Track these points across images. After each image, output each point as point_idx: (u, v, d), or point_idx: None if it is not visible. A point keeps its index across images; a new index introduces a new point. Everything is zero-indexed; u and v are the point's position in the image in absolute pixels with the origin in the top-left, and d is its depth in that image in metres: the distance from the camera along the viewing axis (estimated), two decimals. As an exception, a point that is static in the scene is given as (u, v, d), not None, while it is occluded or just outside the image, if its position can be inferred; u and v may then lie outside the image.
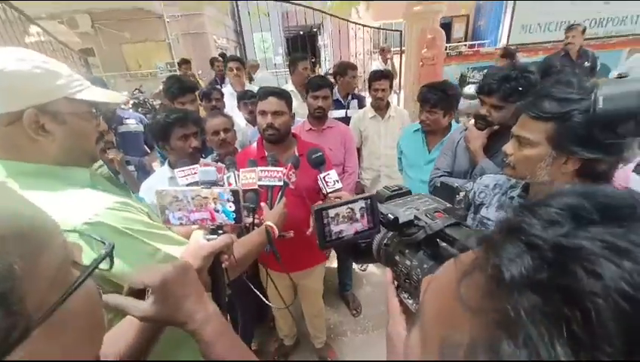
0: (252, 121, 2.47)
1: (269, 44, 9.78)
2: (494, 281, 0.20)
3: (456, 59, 5.15)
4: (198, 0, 8.01)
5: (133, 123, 2.45)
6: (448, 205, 0.57)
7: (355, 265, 2.69)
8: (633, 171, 1.12)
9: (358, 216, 0.54)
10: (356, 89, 3.26)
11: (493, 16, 8.67)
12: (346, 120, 2.53)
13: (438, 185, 1.46)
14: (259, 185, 1.11)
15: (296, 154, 1.48)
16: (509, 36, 6.09)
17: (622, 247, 0.18)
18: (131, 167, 2.02)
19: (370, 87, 2.39)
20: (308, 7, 4.72)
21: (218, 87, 3.34)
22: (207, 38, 9.10)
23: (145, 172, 2.18)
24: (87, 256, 0.40)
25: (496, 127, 1.34)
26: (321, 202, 0.86)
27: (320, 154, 1.20)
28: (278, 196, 1.12)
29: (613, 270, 0.17)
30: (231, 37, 11.20)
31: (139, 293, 0.52)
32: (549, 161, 0.81)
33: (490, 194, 1.06)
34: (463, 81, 4.70)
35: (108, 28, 8.78)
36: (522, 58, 4.72)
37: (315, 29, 11.75)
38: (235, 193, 0.68)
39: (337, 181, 1.14)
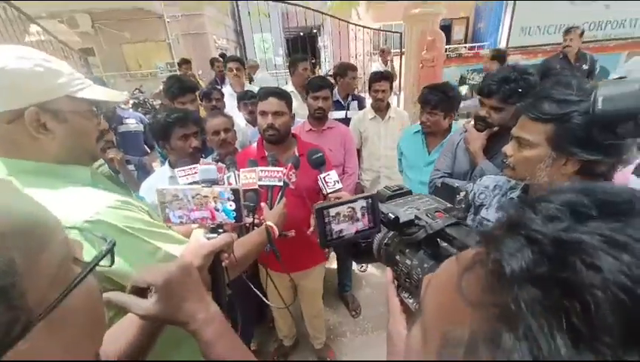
0: (252, 121, 2.47)
1: (269, 44, 9.79)
2: (495, 276, 0.21)
3: (456, 61, 5.17)
4: (198, 0, 8.01)
5: (133, 123, 2.45)
6: (449, 205, 0.57)
7: (354, 266, 2.69)
8: (632, 173, 1.12)
9: (359, 215, 0.54)
10: (356, 90, 3.27)
11: (492, 18, 8.71)
12: (346, 121, 2.53)
13: (439, 185, 1.47)
14: (259, 185, 1.11)
15: (297, 154, 1.48)
16: (508, 38, 6.11)
17: (620, 241, 0.18)
18: (131, 167, 2.02)
19: (370, 88, 2.40)
20: (308, 8, 4.73)
21: (218, 87, 3.34)
22: (208, 39, 9.12)
23: (145, 171, 2.18)
24: (87, 254, 0.40)
25: (495, 129, 1.35)
26: (321, 202, 0.86)
27: (320, 154, 1.20)
28: (278, 196, 1.12)
29: (612, 263, 0.17)
30: (231, 37, 11.22)
31: (142, 292, 0.52)
32: (548, 162, 0.82)
33: (490, 195, 1.06)
34: (463, 83, 4.72)
35: (108, 28, 8.79)
36: (521, 60, 4.74)
37: (315, 30, 11.77)
38: (235, 192, 0.68)
39: (337, 181, 1.14)
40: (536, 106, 0.81)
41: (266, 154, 1.47)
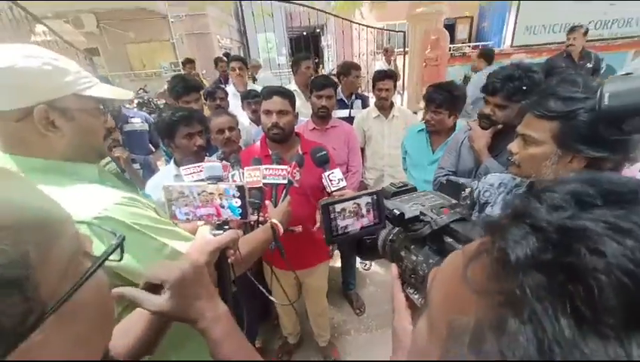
0: (256, 120, 2.48)
1: (272, 44, 9.81)
2: (500, 263, 0.21)
3: (460, 60, 5.16)
4: (203, 0, 8.05)
5: (138, 122, 2.47)
6: (454, 201, 0.57)
7: (358, 265, 2.69)
8: None
9: (364, 211, 0.54)
10: (359, 89, 3.27)
11: (497, 17, 8.65)
12: (349, 120, 2.53)
13: (444, 182, 1.46)
14: (263, 183, 1.11)
15: (300, 152, 1.49)
16: (513, 37, 6.08)
17: (624, 227, 0.18)
18: (137, 166, 2.03)
19: (374, 87, 2.40)
20: (312, 7, 4.74)
21: (222, 86, 3.36)
22: (211, 38, 9.16)
23: (150, 170, 2.19)
24: (96, 250, 0.41)
25: (500, 126, 1.34)
26: (327, 198, 0.87)
27: (324, 152, 1.21)
28: (283, 194, 1.12)
29: (616, 248, 0.17)
30: (235, 37, 11.26)
31: (154, 288, 0.53)
32: (554, 159, 0.81)
33: (495, 193, 1.06)
34: (467, 82, 4.70)
35: (113, 28, 8.86)
36: (526, 59, 4.71)
37: (318, 30, 11.78)
38: (240, 189, 0.69)
39: (342, 179, 1.14)
40: (542, 104, 0.81)
41: (270, 152, 1.47)
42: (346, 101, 2.80)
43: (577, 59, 3.68)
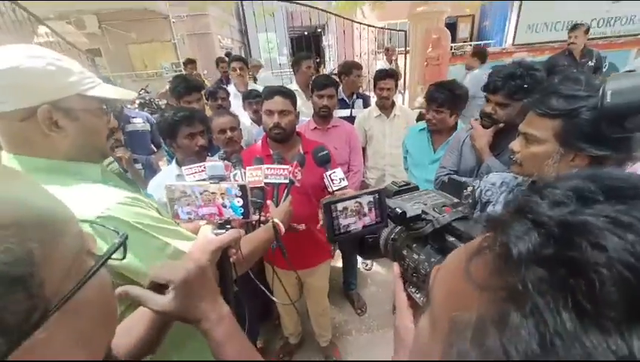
0: (257, 120, 2.48)
1: (273, 44, 9.81)
2: (502, 259, 0.21)
3: (462, 59, 5.14)
4: (204, 0, 8.06)
5: (140, 122, 2.48)
6: (456, 200, 0.57)
7: (359, 265, 2.69)
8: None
9: (366, 210, 0.55)
10: (360, 89, 3.27)
11: (498, 16, 8.63)
12: (350, 119, 2.53)
13: (445, 181, 1.46)
14: (265, 183, 1.11)
15: (301, 152, 1.49)
16: (514, 36, 6.05)
17: (625, 222, 0.18)
18: (139, 166, 2.04)
19: (375, 86, 2.40)
20: (313, 7, 4.74)
21: (224, 86, 3.36)
22: (212, 39, 9.17)
23: (152, 170, 2.20)
24: (99, 249, 0.41)
25: (501, 125, 1.34)
26: (329, 197, 0.87)
27: (326, 152, 1.21)
28: (284, 194, 1.12)
29: (617, 242, 0.17)
30: (236, 37, 11.27)
31: (158, 288, 0.53)
32: (556, 158, 0.81)
33: (496, 192, 1.05)
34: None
35: (115, 28, 8.88)
36: (528, 58, 4.68)
37: (319, 30, 11.77)
38: (242, 188, 0.69)
39: (343, 179, 1.14)
40: (544, 102, 0.80)
41: (271, 152, 1.47)
42: (347, 100, 2.79)
43: (579, 58, 3.68)
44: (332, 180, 1.14)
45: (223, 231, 0.70)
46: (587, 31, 3.65)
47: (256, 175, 1.12)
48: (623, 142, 0.72)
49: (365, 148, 2.47)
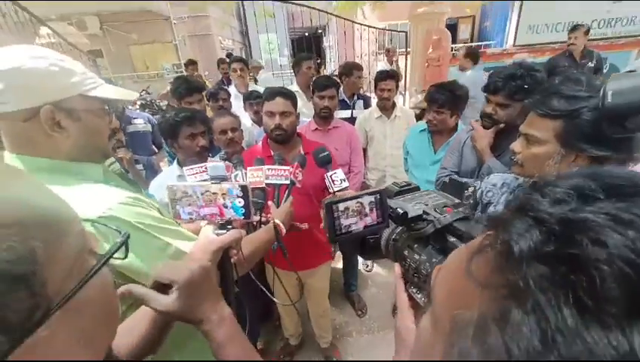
0: (258, 121, 2.49)
1: (274, 45, 9.83)
2: (503, 256, 0.21)
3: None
4: (205, 0, 8.07)
5: (141, 123, 2.48)
6: (457, 201, 0.57)
7: (360, 266, 2.69)
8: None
9: (367, 210, 0.55)
10: (361, 89, 3.27)
11: (499, 16, 8.63)
12: (351, 120, 2.53)
13: (447, 181, 1.46)
14: (266, 184, 1.11)
15: (302, 152, 1.49)
16: (515, 37, 6.05)
17: (626, 218, 0.18)
18: (140, 166, 2.05)
19: (376, 87, 2.40)
20: (313, 8, 4.74)
21: (225, 87, 3.37)
22: (213, 40, 9.19)
23: (153, 171, 2.20)
24: (101, 249, 0.41)
25: (502, 126, 1.34)
26: (330, 196, 0.87)
27: (327, 153, 1.21)
28: (285, 194, 1.12)
29: (617, 238, 0.18)
30: (237, 38, 11.29)
31: (159, 288, 0.53)
32: (557, 158, 0.81)
33: (497, 193, 1.05)
34: (470, 82, 4.68)
35: (116, 29, 8.91)
36: (529, 59, 4.68)
37: (320, 31, 11.78)
38: (244, 188, 0.69)
39: (344, 180, 1.14)
40: (545, 103, 0.80)
41: (272, 153, 1.47)
42: (348, 101, 2.80)
43: (579, 59, 3.68)
44: (333, 181, 1.14)
45: (224, 231, 0.70)
46: (587, 32, 3.66)
47: (257, 176, 1.12)
48: (624, 143, 0.72)
49: (366, 149, 2.47)
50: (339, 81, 2.69)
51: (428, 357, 0.30)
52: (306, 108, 2.65)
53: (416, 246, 0.54)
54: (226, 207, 0.70)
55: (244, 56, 7.32)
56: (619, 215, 0.19)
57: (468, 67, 4.19)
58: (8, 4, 3.56)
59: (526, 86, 1.21)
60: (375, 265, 2.85)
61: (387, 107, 2.39)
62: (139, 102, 5.12)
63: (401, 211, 0.53)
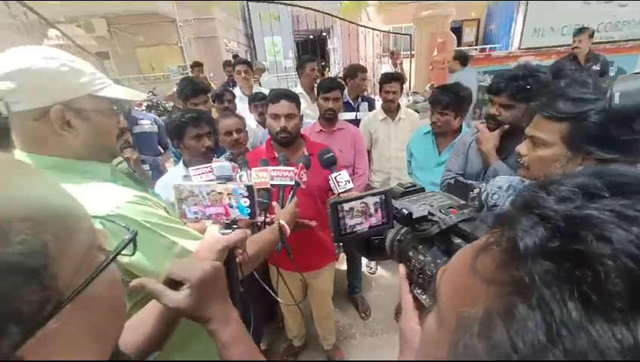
0: (263, 122, 2.50)
1: (279, 47, 9.88)
2: (509, 253, 0.21)
3: (467, 63, 5.12)
4: (210, 0, 8.13)
5: (147, 123, 2.51)
6: (462, 202, 0.57)
7: (364, 268, 2.68)
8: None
9: (372, 210, 0.55)
10: (366, 92, 3.28)
11: (504, 19, 8.60)
12: (355, 122, 2.53)
13: (452, 183, 1.46)
14: (270, 185, 1.12)
15: (306, 154, 1.49)
16: (521, 39, 6.02)
17: (630, 215, 0.19)
18: (146, 166, 2.06)
19: (381, 89, 2.40)
20: (318, 10, 4.77)
21: (230, 88, 3.39)
22: (219, 42, 9.26)
23: (159, 171, 2.22)
24: (109, 246, 0.42)
25: (506, 127, 1.34)
26: (335, 197, 0.87)
27: (332, 154, 1.21)
28: (290, 195, 1.13)
29: (622, 234, 0.18)
30: (242, 40, 11.36)
31: (170, 285, 0.54)
32: (563, 161, 0.81)
33: (503, 195, 1.05)
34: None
35: (123, 32, 9.01)
36: (534, 62, 4.66)
37: (324, 33, 11.83)
38: (249, 188, 0.70)
39: (349, 181, 1.14)
40: (551, 105, 0.80)
41: (276, 155, 1.48)
42: (353, 104, 2.80)
43: (584, 62, 3.66)
44: (338, 182, 1.14)
45: (230, 231, 0.71)
46: (592, 35, 3.64)
47: (262, 176, 1.13)
48: (631, 145, 0.71)
49: (370, 151, 2.47)
50: (343, 83, 2.70)
51: (433, 356, 0.30)
52: (309, 110, 2.66)
53: (420, 247, 0.54)
54: (232, 207, 0.71)
55: (249, 59, 7.37)
56: (624, 211, 0.19)
57: (457, 69, 4.20)
58: (18, 7, 3.62)
59: (528, 86, 1.21)
60: (379, 267, 2.84)
61: (392, 109, 2.39)
62: (145, 104, 5.17)
63: (406, 212, 0.53)
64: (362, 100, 2.84)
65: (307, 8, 4.79)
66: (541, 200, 0.22)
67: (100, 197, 0.66)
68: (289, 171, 1.12)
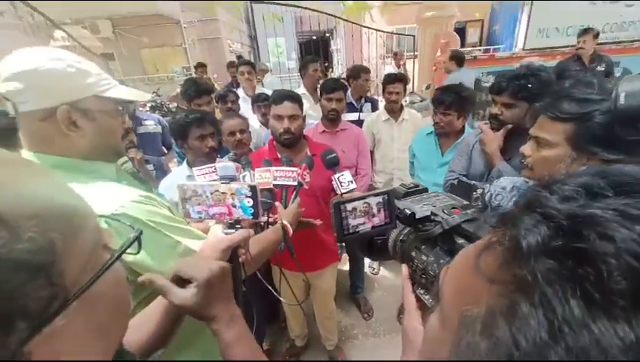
0: (266, 123, 2.51)
1: (282, 48, 9.91)
2: (512, 252, 0.21)
3: (471, 64, 5.09)
4: (214, 0, 8.17)
5: (151, 124, 2.52)
6: (465, 202, 0.57)
7: (366, 269, 2.68)
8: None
9: (375, 210, 0.55)
10: (369, 93, 3.28)
11: (508, 20, 8.56)
12: (358, 123, 2.53)
13: (455, 183, 1.45)
14: (274, 185, 1.12)
15: (309, 154, 1.50)
16: (525, 40, 5.98)
17: (634, 214, 0.19)
18: (150, 167, 2.08)
19: (384, 90, 2.40)
20: (321, 11, 4.78)
21: (233, 89, 3.41)
22: (222, 43, 9.31)
23: (163, 171, 2.24)
24: (114, 245, 0.42)
25: (509, 126, 1.33)
26: (338, 197, 0.87)
27: (335, 155, 1.21)
28: (293, 196, 1.13)
29: (625, 233, 0.18)
30: (245, 42, 11.41)
31: (177, 282, 0.55)
32: (568, 162, 0.80)
33: (507, 196, 1.04)
34: (478, 85, 4.65)
35: (127, 33, 9.08)
36: (538, 62, 4.63)
37: (328, 34, 11.84)
38: (252, 188, 0.70)
39: (352, 181, 1.14)
40: (556, 105, 0.80)
41: (279, 156, 1.48)
42: (356, 104, 2.80)
43: (588, 63, 3.64)
44: (341, 183, 1.14)
45: (233, 230, 0.71)
46: (596, 36, 3.61)
47: (265, 177, 1.13)
48: (636, 145, 0.71)
49: (373, 151, 2.47)
50: (346, 83, 2.70)
51: (436, 355, 0.30)
52: (312, 111, 2.66)
53: (423, 247, 0.54)
54: (235, 207, 0.71)
55: (252, 60, 7.39)
56: (627, 210, 0.19)
57: (453, 69, 4.19)
58: (24, 8, 3.66)
59: (530, 85, 1.21)
60: (381, 267, 2.84)
61: (395, 110, 2.39)
62: (149, 104, 5.20)
63: (408, 212, 0.53)
64: (365, 101, 2.84)
65: (311, 9, 4.80)
66: (544, 200, 0.22)
67: (106, 197, 0.67)
68: (292, 172, 1.13)
